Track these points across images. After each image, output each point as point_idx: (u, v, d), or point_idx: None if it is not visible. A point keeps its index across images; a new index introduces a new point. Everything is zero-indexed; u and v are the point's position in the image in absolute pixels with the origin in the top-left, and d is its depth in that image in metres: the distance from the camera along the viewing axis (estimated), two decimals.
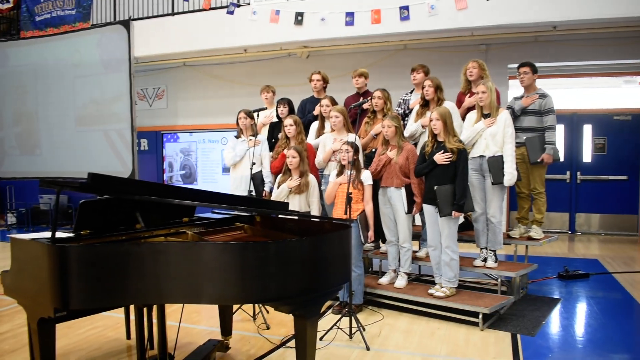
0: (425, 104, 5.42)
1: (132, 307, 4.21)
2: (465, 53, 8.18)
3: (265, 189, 5.90)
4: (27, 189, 11.84)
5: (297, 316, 2.97)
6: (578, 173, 9.34)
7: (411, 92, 6.13)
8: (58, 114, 10.28)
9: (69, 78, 10.05)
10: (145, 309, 3.42)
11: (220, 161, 10.29)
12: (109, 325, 4.79)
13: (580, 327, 4.84)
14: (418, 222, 5.85)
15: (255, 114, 5.68)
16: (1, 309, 5.43)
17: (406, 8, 7.42)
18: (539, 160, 5.36)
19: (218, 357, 3.99)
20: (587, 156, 9.40)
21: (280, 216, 3.91)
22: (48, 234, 2.98)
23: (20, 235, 3.24)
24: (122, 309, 4.47)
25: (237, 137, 6.02)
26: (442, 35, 7.93)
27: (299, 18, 8.03)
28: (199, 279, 2.66)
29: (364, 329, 4.43)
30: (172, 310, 3.74)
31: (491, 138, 4.98)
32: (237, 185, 5.87)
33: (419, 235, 5.72)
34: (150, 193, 2.93)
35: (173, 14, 9.21)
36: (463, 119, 5.41)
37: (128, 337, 4.44)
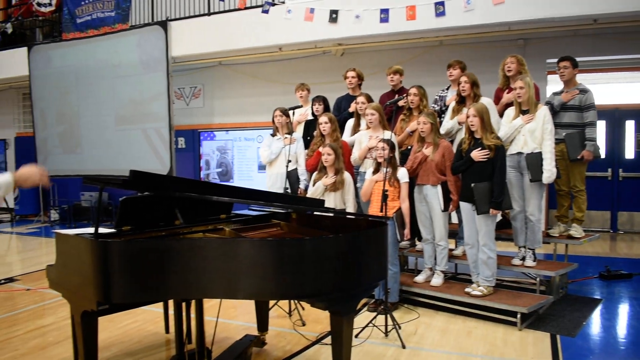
0: (461, 101, 5.35)
1: (170, 302, 4.30)
2: (502, 48, 8.03)
3: (300, 186, 5.92)
4: (69, 186, 12.17)
5: (333, 313, 2.98)
6: (620, 170, 9.07)
7: (447, 89, 6.06)
8: (98, 113, 10.54)
9: (108, 78, 10.30)
10: (184, 304, 3.48)
11: (256, 159, 10.36)
12: (148, 320, 4.90)
13: (622, 328, 4.72)
14: (454, 220, 5.78)
15: (290, 112, 5.71)
16: (45, 302, 5.62)
17: (441, 4, 7.32)
18: (578, 157, 5.23)
19: (254, 352, 4.04)
20: (629, 153, 9.12)
21: (316, 213, 3.93)
22: (91, 230, 3.06)
23: (64, 230, 3.34)
24: (161, 304, 4.58)
25: (273, 135, 6.07)
26: (478, 30, 7.79)
27: (334, 16, 8.02)
28: (237, 274, 2.70)
29: (399, 327, 4.41)
30: (210, 305, 3.80)
31: (530, 134, 4.89)
32: (273, 182, 5.91)
33: (455, 233, 5.66)
34: (189, 190, 2.99)
35: (209, 14, 9.30)
36: (501, 115, 5.32)
37: (167, 331, 4.54)
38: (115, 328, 4.62)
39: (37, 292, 6.04)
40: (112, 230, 3.18)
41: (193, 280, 2.71)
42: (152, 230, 3.29)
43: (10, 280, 6.62)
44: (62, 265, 3.17)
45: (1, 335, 4.59)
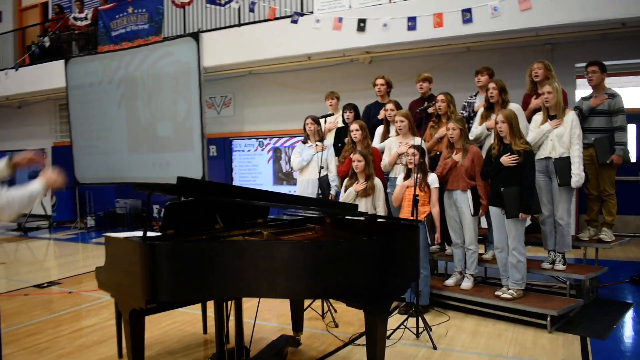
0: (489, 107, 5.44)
1: (209, 304, 4.48)
2: (530, 53, 8.07)
3: (331, 192, 6.06)
4: (105, 194, 12.54)
5: (367, 312, 3.11)
6: None
7: (475, 95, 6.15)
8: (132, 122, 10.88)
9: (142, 88, 10.63)
10: (224, 305, 3.64)
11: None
12: (187, 321, 5.09)
13: None
14: (484, 224, 5.85)
15: (322, 120, 5.86)
16: (87, 304, 5.86)
17: (468, 10, 7.41)
18: (608, 162, 5.27)
19: (290, 351, 4.19)
20: None
21: (349, 218, 4.07)
22: (138, 234, 3.25)
23: (113, 234, 3.54)
24: (199, 306, 4.77)
25: (304, 142, 6.22)
26: (505, 36, 7.84)
27: (362, 25, 8.17)
28: (276, 274, 2.85)
29: (430, 329, 4.51)
30: (246, 307, 3.95)
31: (558, 139, 4.95)
32: (304, 188, 6.06)
33: (485, 237, 5.73)
34: (231, 195, 3.16)
35: (239, 24, 9.54)
36: (529, 120, 5.39)
37: (205, 332, 4.72)
38: (155, 329, 4.81)
39: (78, 295, 6.29)
40: (158, 234, 3.36)
41: (235, 280, 2.87)
42: (195, 234, 3.47)
43: (53, 283, 6.90)
44: (112, 266, 3.37)
45: (49, 335, 4.82)
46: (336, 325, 4.84)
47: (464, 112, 6.13)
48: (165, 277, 2.91)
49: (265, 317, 5.15)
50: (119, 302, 3.36)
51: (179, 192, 2.95)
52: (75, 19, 12.03)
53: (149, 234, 3.25)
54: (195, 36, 9.73)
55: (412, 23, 7.86)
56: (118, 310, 4.11)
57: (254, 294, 2.93)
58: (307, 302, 4.98)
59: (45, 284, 6.85)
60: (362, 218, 4.05)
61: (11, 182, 2.82)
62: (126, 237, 3.24)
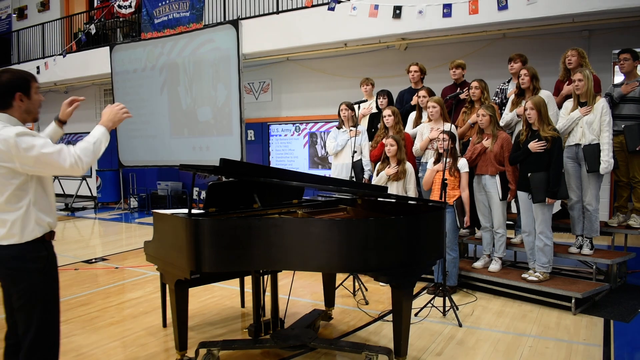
0: (521, 93, 5.53)
1: (247, 279, 4.77)
2: (567, 40, 8.05)
3: (364, 176, 6.26)
4: (147, 176, 13.03)
5: (394, 287, 3.33)
6: None
7: (508, 82, 6.24)
8: (174, 107, 11.27)
9: (184, 74, 10.99)
10: (261, 279, 3.91)
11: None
12: (225, 296, 5.40)
13: None
14: (514, 209, 5.98)
15: (356, 106, 6.06)
16: (133, 279, 6.24)
17: None
18: (637, 149, 5.31)
19: (322, 325, 4.45)
20: None
21: (379, 200, 4.28)
22: (183, 211, 3.54)
23: (161, 210, 3.84)
24: (237, 282, 5.06)
25: (339, 127, 6.43)
26: (541, 23, 7.84)
27: (397, 12, 8.28)
28: (310, 249, 3.10)
29: (457, 308, 4.70)
30: (281, 285, 4.20)
31: (587, 126, 5.03)
32: (339, 172, 6.28)
33: (515, 222, 5.85)
34: (270, 176, 3.41)
35: (278, 12, 9.76)
36: (561, 107, 5.47)
37: (242, 305, 5.02)
38: (196, 302, 5.13)
39: (124, 270, 6.69)
40: (201, 211, 3.64)
41: (272, 253, 3.13)
42: (235, 212, 3.73)
43: (100, 259, 7.33)
44: (159, 240, 3.67)
45: (98, 306, 5.20)
46: (366, 303, 5.07)
47: (496, 98, 6.23)
48: (208, 249, 3.19)
49: (299, 293, 5.42)
50: (166, 273, 3.66)
51: (222, 172, 3.21)
52: (119, 6, 12.44)
53: (193, 211, 3.53)
54: (235, 23, 10.00)
55: (447, 10, 7.94)
56: (163, 283, 4.44)
57: (289, 267, 3.19)
58: (338, 280, 5.22)
59: (94, 260, 7.29)
60: (392, 200, 4.26)
61: None
62: (173, 213, 3.53)
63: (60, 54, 13.37)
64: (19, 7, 16.89)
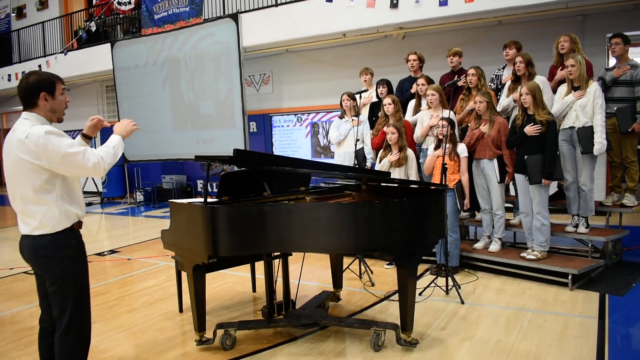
0: (516, 79, 5.72)
1: (258, 265, 4.98)
2: (561, 25, 8.20)
3: (367, 164, 6.46)
4: (152, 170, 13.23)
5: (399, 265, 3.55)
6: None
7: (503, 68, 6.41)
8: (177, 101, 11.44)
9: (185, 69, 11.15)
10: (273, 263, 4.12)
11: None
12: (237, 282, 5.62)
13: None
14: (512, 192, 6.17)
15: (357, 96, 6.24)
16: (146, 269, 6.46)
17: None
18: (629, 130, 5.50)
19: (331, 305, 4.67)
20: None
21: (383, 185, 4.48)
22: (196, 200, 3.75)
23: (178, 200, 4.04)
24: (248, 269, 5.27)
25: (341, 117, 6.62)
26: (536, 9, 8.00)
27: (395, 1, 8.44)
28: (320, 232, 3.32)
29: (459, 287, 4.91)
30: (291, 270, 4.41)
31: (581, 109, 5.22)
32: (342, 161, 6.48)
33: (514, 204, 6.05)
34: (281, 165, 3.61)
35: (276, 5, 9.91)
36: (555, 91, 5.65)
37: (254, 290, 5.25)
38: (210, 288, 5.27)
39: (136, 261, 6.91)
40: (215, 199, 3.84)
41: (284, 236, 3.34)
42: (246, 200, 3.94)
43: (112, 252, 7.55)
44: (176, 228, 3.87)
45: (116, 294, 5.43)
46: (372, 285, 5.29)
47: (492, 84, 6.41)
48: (224, 234, 3.40)
49: (308, 277, 5.64)
50: (184, 258, 3.86)
51: (235, 162, 3.41)
52: (119, 3, 12.58)
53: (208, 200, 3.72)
54: (235, 17, 10.15)
55: None
56: (178, 270, 4.67)
57: (300, 248, 3.41)
58: (346, 263, 5.43)
59: (106, 252, 7.50)
60: (395, 185, 4.46)
61: None
62: (189, 202, 3.74)
63: (61, 52, 13.52)
64: (18, 7, 17.03)
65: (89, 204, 13.36)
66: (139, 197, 12.94)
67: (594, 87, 5.20)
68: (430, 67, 7.49)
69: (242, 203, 3.81)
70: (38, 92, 2.78)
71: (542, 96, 5.09)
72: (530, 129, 4.99)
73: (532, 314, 4.34)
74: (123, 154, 12.54)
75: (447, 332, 4.03)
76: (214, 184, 10.56)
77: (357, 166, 6.08)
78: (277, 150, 11.65)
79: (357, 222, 3.28)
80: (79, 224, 2.92)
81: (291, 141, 11.47)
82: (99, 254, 7.40)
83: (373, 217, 3.29)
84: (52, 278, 2.82)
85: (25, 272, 6.24)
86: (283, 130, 11.59)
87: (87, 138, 3.24)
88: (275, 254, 4.11)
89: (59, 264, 2.80)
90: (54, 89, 2.83)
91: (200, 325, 3.85)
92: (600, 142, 5.11)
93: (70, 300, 2.82)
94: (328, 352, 3.74)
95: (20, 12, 17.00)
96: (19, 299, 5.39)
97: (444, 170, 4.99)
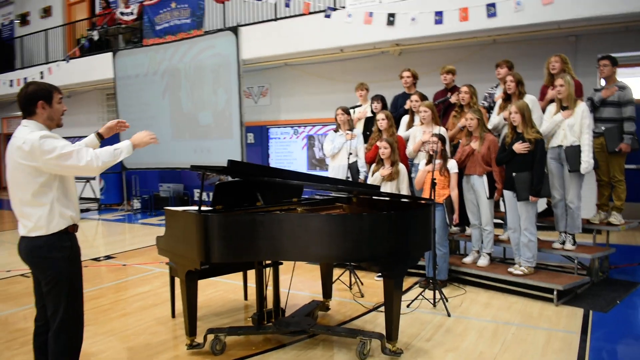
0: (507, 98, 5.86)
1: (249, 274, 5.08)
2: (554, 45, 8.37)
3: (360, 177, 6.57)
4: (150, 178, 13.33)
5: (385, 276, 3.66)
6: None
7: (496, 86, 6.56)
8: (176, 111, 11.58)
9: (185, 79, 11.30)
10: (264, 272, 4.23)
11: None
12: (229, 290, 5.72)
13: None
14: (503, 208, 6.28)
15: (351, 110, 6.37)
16: (141, 275, 6.56)
17: (493, 5, 7.77)
18: (617, 150, 5.64)
19: (320, 315, 4.77)
20: None
21: (374, 198, 4.60)
22: (191, 208, 3.86)
23: (173, 207, 4.16)
24: (240, 277, 5.37)
25: (336, 131, 6.74)
26: (529, 29, 8.17)
27: (391, 19, 8.61)
28: (309, 242, 3.44)
29: (447, 300, 5.01)
30: (281, 280, 4.51)
31: (569, 129, 5.36)
32: (336, 173, 6.59)
33: (503, 220, 6.16)
34: (273, 176, 3.73)
35: (276, 19, 10.09)
36: (545, 111, 5.79)
37: (245, 298, 5.35)
38: (202, 295, 5.37)
39: (131, 267, 7.00)
40: (209, 208, 3.95)
41: (275, 245, 3.46)
42: (240, 209, 4.05)
43: (108, 257, 7.64)
44: (170, 235, 3.98)
45: (111, 299, 5.52)
46: (362, 296, 5.39)
47: (485, 102, 6.55)
48: (217, 242, 3.52)
49: (299, 287, 5.73)
50: (177, 264, 3.97)
51: (229, 172, 3.53)
52: (122, 13, 12.75)
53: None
54: (235, 30, 10.32)
55: (439, 17, 8.27)
56: (172, 276, 4.77)
57: (290, 257, 3.53)
58: (337, 274, 5.53)
59: (101, 258, 7.59)
60: (386, 198, 4.58)
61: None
62: (184, 210, 3.85)
63: (63, 60, 13.67)
64: (22, 14, 17.21)
65: (86, 210, 13.44)
66: (136, 204, 13.02)
67: (582, 107, 5.35)
68: (426, 83, 7.63)
69: (235, 212, 3.92)
70: (36, 100, 2.93)
71: (531, 115, 5.22)
72: (518, 147, 5.12)
73: (516, 328, 4.44)
74: (121, 161, 12.68)
75: (432, 343, 4.13)
76: (210, 194, 10.65)
77: (350, 179, 6.20)
78: (274, 162, 11.78)
79: (345, 233, 3.40)
80: (73, 227, 3.04)
81: (287, 153, 11.60)
82: (95, 259, 7.49)
83: (361, 228, 3.41)
84: (46, 278, 2.94)
85: (22, 275, 6.32)
86: (280, 142, 11.73)
87: (100, 137, 3.37)
88: (267, 262, 4.22)
89: (54, 264, 2.93)
90: (51, 98, 2.98)
91: (191, 330, 3.95)
92: (587, 160, 5.24)
93: (64, 300, 2.94)
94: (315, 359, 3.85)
95: (23, 19, 17.18)
96: (15, 301, 5.48)
97: (432, 185, 5.10)
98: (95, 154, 2.94)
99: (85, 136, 3.42)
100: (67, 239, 3.00)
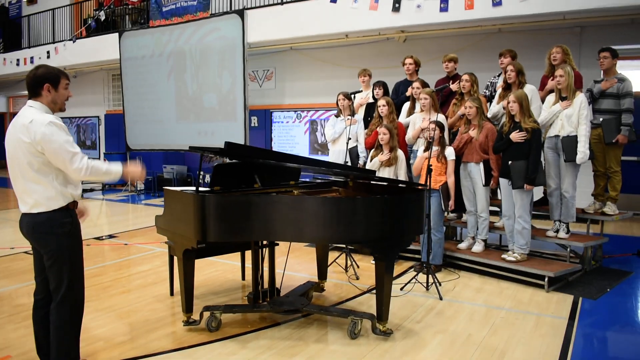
0: (507, 87, 5.91)
1: (247, 254, 5.19)
2: (559, 36, 8.39)
3: (359, 162, 6.65)
4: (153, 159, 13.44)
5: (377, 258, 3.76)
6: None
7: (499, 75, 6.60)
8: (181, 93, 11.67)
9: (190, 61, 11.37)
10: (260, 252, 4.33)
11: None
12: (227, 270, 5.84)
13: None
14: (499, 196, 6.35)
15: (352, 96, 6.43)
16: (142, 254, 6.68)
17: None
18: (613, 141, 5.69)
19: (315, 296, 4.88)
20: None
21: (371, 182, 4.69)
22: (191, 189, 3.97)
23: (172, 187, 4.26)
24: (238, 258, 5.48)
25: (337, 116, 6.81)
26: (534, 19, 8.18)
27: (397, 5, 8.63)
28: (303, 223, 3.54)
29: (439, 284, 5.11)
30: (278, 262, 4.61)
31: (567, 119, 5.41)
32: (336, 158, 6.67)
33: (500, 207, 6.24)
34: (270, 158, 3.82)
35: (282, 3, 10.12)
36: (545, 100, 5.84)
37: (243, 278, 5.47)
38: (201, 274, 5.56)
39: (133, 246, 7.13)
40: (207, 189, 4.05)
41: (270, 226, 3.56)
42: (237, 191, 4.15)
43: (110, 236, 7.78)
44: (169, 214, 4.09)
45: (111, 277, 5.65)
46: (357, 278, 5.50)
47: (486, 90, 6.61)
48: (213, 221, 3.62)
49: (295, 269, 5.84)
50: (175, 243, 4.07)
51: (226, 154, 3.62)
52: None
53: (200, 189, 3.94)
54: (241, 13, 10.36)
55: (444, 5, 8.30)
56: (171, 255, 4.88)
57: (285, 238, 3.64)
58: (332, 257, 5.64)
59: (104, 237, 7.73)
60: (383, 183, 4.67)
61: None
62: (182, 190, 3.95)
63: (70, 39, 13.74)
64: None
65: (90, 190, 13.58)
66: (140, 185, 13.15)
67: (581, 98, 5.39)
68: (430, 70, 7.68)
69: (233, 193, 4.02)
70: (43, 83, 3.03)
71: (529, 105, 5.28)
72: (515, 136, 5.18)
73: (506, 313, 4.54)
74: (126, 142, 12.83)
75: (422, 325, 4.23)
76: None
77: (349, 163, 6.28)
78: (276, 146, 11.87)
79: (338, 215, 3.50)
80: (74, 204, 3.14)
81: (290, 137, 11.69)
82: (98, 238, 7.62)
83: (354, 211, 3.51)
84: (49, 253, 3.04)
85: (25, 252, 6.46)
86: (282, 126, 11.81)
87: None
88: (263, 243, 4.32)
89: (56, 239, 3.03)
90: (57, 83, 3.08)
91: (188, 307, 4.07)
92: (583, 151, 5.30)
93: (66, 273, 3.05)
94: (307, 338, 3.96)
95: None
96: (18, 277, 5.61)
97: (428, 171, 5.18)
98: (87, 165, 3.01)
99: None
100: (67, 214, 3.10)
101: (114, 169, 3.19)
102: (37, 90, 3.05)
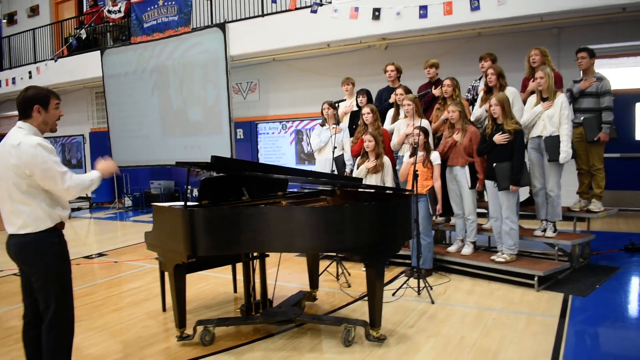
0: (489, 90, 5.98)
1: (238, 267, 5.19)
2: (538, 37, 8.50)
3: (346, 170, 6.69)
4: (140, 176, 13.40)
5: (367, 265, 3.79)
6: None
7: (480, 79, 6.68)
8: (165, 108, 11.65)
9: (174, 76, 11.36)
10: (250, 264, 4.34)
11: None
12: (219, 283, 5.83)
13: (634, 292, 5.30)
14: (486, 198, 6.42)
15: (337, 105, 6.48)
16: (132, 271, 6.67)
17: None
18: (595, 139, 5.78)
19: (307, 305, 4.90)
20: None
21: (358, 190, 4.72)
22: (179, 203, 3.97)
23: (160, 203, 4.26)
24: (229, 270, 5.48)
25: (322, 125, 6.85)
26: (512, 22, 8.29)
27: (377, 13, 8.71)
28: (293, 233, 3.56)
29: (431, 288, 5.15)
30: (269, 273, 4.62)
31: (548, 120, 5.49)
32: (322, 167, 6.71)
33: (487, 209, 6.29)
34: (257, 170, 3.85)
35: (263, 15, 10.15)
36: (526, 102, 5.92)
37: (235, 291, 5.47)
38: (193, 289, 5.55)
39: (123, 264, 7.10)
40: (195, 203, 4.06)
41: (259, 238, 3.58)
42: (225, 204, 4.16)
43: (100, 255, 7.74)
44: (158, 230, 4.09)
45: (103, 294, 5.63)
46: (349, 286, 5.52)
47: (468, 94, 6.68)
48: (202, 235, 3.63)
49: (287, 279, 5.85)
50: (165, 258, 4.08)
51: (213, 168, 3.64)
52: (109, 11, 12.77)
53: (188, 204, 3.94)
54: (222, 26, 10.39)
55: (423, 11, 8.38)
56: (162, 271, 4.87)
57: (274, 249, 3.65)
58: (323, 266, 5.66)
59: (93, 255, 7.69)
60: (370, 190, 4.70)
61: None
62: (170, 206, 3.96)
63: (52, 59, 13.67)
64: (9, 13, 17.15)
65: (77, 209, 13.50)
66: (128, 202, 13.11)
67: (561, 98, 5.47)
68: (412, 76, 7.75)
69: (220, 206, 4.03)
70: (32, 104, 3.04)
71: (511, 107, 5.36)
72: (498, 138, 5.25)
73: (497, 313, 4.59)
74: (112, 158, 12.74)
75: (415, 329, 4.26)
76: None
77: (335, 172, 6.31)
78: (263, 157, 11.88)
79: (327, 224, 3.52)
80: (61, 224, 3.14)
81: (276, 148, 11.72)
82: (87, 257, 7.59)
83: (342, 219, 3.53)
84: (37, 274, 3.04)
85: (14, 274, 6.41)
86: (268, 138, 11.83)
87: None
88: (253, 255, 4.33)
89: (43, 260, 3.03)
90: (47, 103, 3.09)
91: (180, 322, 4.06)
92: (565, 150, 5.38)
93: (55, 293, 3.05)
94: (301, 348, 3.97)
95: (11, 19, 17.12)
96: (8, 299, 5.56)
97: (414, 176, 5.23)
98: (75, 184, 3.03)
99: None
100: (55, 235, 3.09)
101: (94, 177, 3.19)
102: (27, 112, 3.05)
